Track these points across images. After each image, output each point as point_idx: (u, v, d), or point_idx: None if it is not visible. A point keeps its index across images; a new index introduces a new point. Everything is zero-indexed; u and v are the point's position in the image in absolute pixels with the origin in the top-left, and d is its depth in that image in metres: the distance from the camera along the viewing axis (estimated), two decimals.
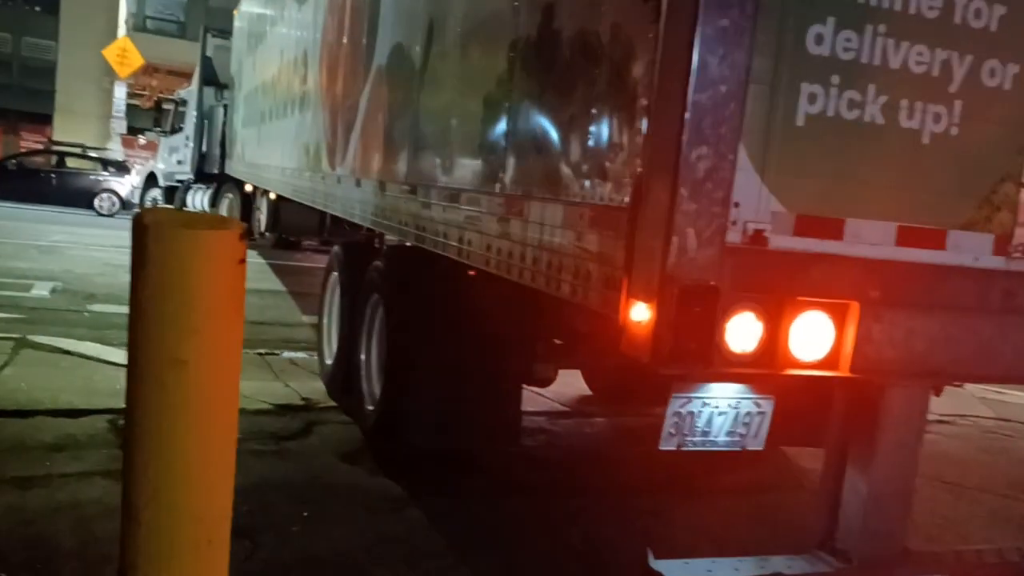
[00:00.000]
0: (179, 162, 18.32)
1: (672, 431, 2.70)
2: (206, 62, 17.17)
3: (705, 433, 2.74)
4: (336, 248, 6.56)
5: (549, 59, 3.20)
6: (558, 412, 6.21)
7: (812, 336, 2.57)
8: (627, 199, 2.56)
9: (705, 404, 2.71)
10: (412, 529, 3.95)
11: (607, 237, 2.67)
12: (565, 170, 3.02)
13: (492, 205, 3.60)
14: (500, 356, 4.41)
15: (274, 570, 3.39)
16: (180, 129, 18.24)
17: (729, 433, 2.77)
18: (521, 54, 3.45)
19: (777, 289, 2.54)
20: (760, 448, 2.81)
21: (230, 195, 16.49)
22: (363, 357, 5.34)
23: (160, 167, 19.36)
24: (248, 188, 14.89)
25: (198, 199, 17.90)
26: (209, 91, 17.05)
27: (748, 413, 2.77)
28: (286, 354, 7.16)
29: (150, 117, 20.35)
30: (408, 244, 5.11)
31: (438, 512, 4.18)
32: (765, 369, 2.54)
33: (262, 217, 14.66)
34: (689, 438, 2.73)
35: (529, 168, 3.36)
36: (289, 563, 3.47)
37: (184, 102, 18.18)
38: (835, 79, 2.50)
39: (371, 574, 3.46)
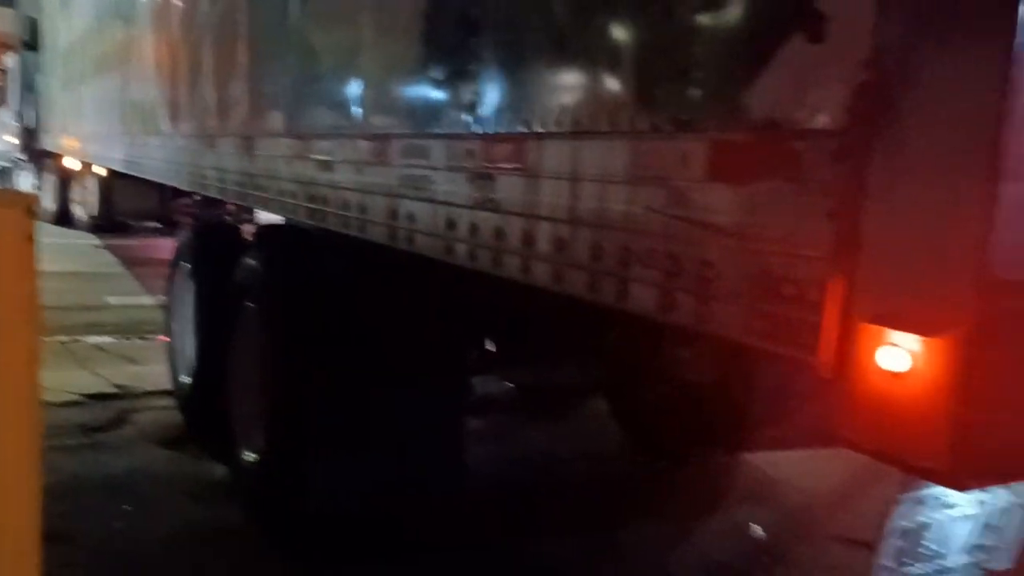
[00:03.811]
0: (10, 140, 15.92)
1: (891, 560, 1.40)
2: (29, 23, 14.67)
3: (939, 557, 1.46)
4: (186, 233, 4.91)
5: None
6: None
7: None
8: (842, 107, 1.22)
9: (944, 507, 1.43)
10: (249, 516, 3.52)
11: (771, 195, 1.33)
12: (637, 71, 1.64)
13: (458, 153, 2.18)
14: (433, 374, 3.20)
15: (98, 574, 3.12)
16: (7, 103, 15.82)
17: (971, 549, 1.50)
18: None
19: None
20: (1011, 566, 1.56)
21: (50, 174, 14.23)
22: (235, 386, 3.81)
23: None
24: (69, 164, 12.66)
25: (25, 180, 15.51)
26: (33, 56, 14.60)
27: (1003, 511, 1.51)
28: (91, 339, 6.43)
29: None
30: (287, 225, 3.65)
31: None
32: None
33: (91, 198, 12.53)
34: (910, 567, 1.44)
35: (533, 79, 1.96)
36: (114, 564, 3.18)
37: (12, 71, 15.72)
38: None
39: (209, 569, 3.18)
